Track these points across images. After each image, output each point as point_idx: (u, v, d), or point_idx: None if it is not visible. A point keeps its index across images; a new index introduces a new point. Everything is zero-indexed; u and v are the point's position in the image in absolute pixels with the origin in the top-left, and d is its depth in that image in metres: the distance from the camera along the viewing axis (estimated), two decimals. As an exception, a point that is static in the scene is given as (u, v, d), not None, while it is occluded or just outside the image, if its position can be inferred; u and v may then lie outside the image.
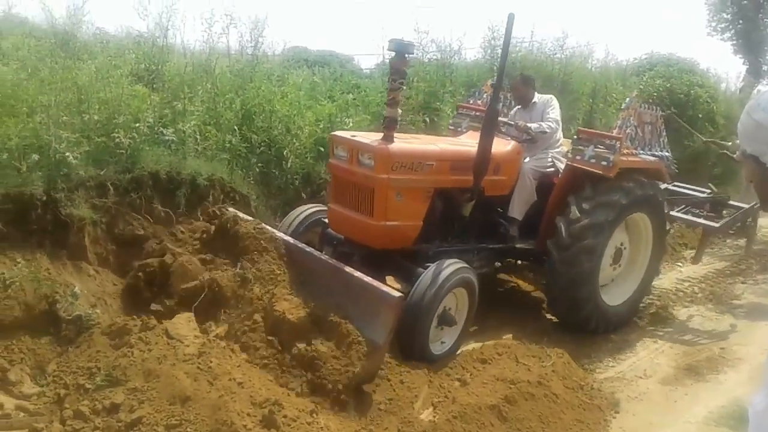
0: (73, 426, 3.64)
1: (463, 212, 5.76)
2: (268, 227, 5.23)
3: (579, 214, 5.81)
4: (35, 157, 4.96)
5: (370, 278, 4.61)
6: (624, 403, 5.05)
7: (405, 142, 5.36)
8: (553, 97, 6.57)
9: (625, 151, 6.01)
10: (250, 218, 5.34)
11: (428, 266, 4.99)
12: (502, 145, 5.93)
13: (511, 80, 7.09)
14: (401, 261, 5.31)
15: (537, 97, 6.58)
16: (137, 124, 5.87)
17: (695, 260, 8.23)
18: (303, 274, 4.94)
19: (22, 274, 4.59)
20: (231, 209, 5.66)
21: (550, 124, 6.22)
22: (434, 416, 4.34)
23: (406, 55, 4.93)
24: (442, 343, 5.15)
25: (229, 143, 6.77)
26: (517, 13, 5.07)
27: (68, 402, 3.86)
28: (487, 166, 5.43)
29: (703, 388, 5.51)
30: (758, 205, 8.11)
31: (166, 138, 6.16)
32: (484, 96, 7.23)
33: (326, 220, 5.74)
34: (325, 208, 5.79)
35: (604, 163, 5.85)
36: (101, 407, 3.72)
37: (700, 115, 13.40)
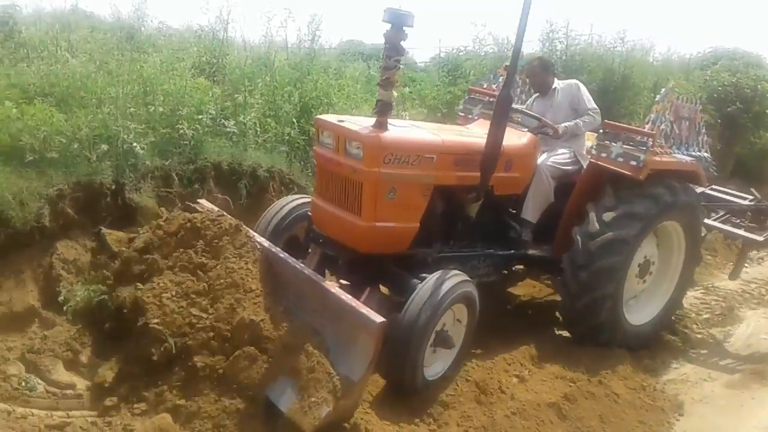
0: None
1: (469, 213, 5.08)
2: (244, 227, 4.42)
3: (599, 227, 5.06)
4: (104, 147, 5.13)
5: (349, 296, 3.89)
6: (688, 405, 4.91)
7: (401, 131, 4.58)
8: (578, 82, 5.82)
9: (658, 150, 5.26)
10: (226, 215, 4.56)
11: (424, 277, 4.32)
12: (515, 137, 5.17)
13: (528, 65, 6.12)
14: (394, 268, 4.62)
15: (557, 83, 5.80)
16: (200, 116, 6.00)
17: (733, 276, 7.15)
18: (279, 284, 4.23)
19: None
20: (205, 203, 4.99)
21: (589, 119, 5.51)
22: (492, 412, 4.30)
23: (404, 28, 4.13)
24: (435, 366, 4.45)
25: (287, 135, 6.86)
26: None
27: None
28: (496, 162, 4.75)
29: (770, 392, 5.33)
30: None
31: (228, 130, 6.27)
32: (500, 79, 6.34)
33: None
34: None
35: (634, 163, 5.08)
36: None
37: (767, 111, 12.95)
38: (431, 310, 4.12)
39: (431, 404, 4.24)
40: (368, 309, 3.74)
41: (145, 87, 5.97)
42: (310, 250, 4.94)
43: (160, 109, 5.84)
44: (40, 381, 3.92)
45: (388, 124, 4.37)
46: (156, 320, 3.80)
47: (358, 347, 3.73)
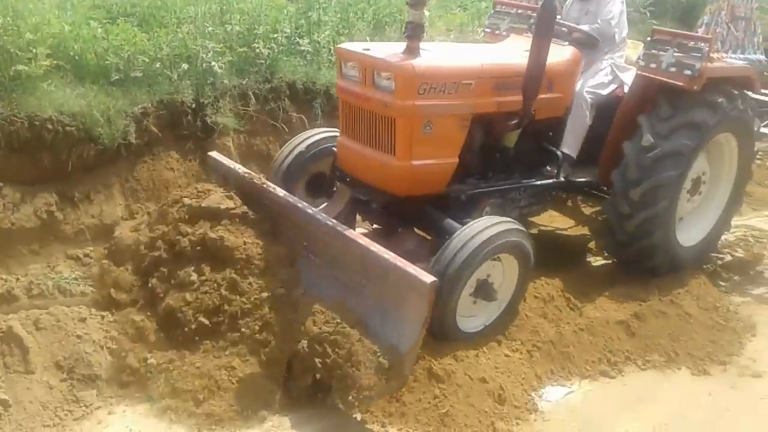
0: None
1: (508, 143, 4.65)
2: (260, 180, 4.30)
3: (653, 140, 4.66)
4: (184, 66, 5.28)
5: (393, 254, 3.52)
6: (762, 326, 4.83)
7: (434, 56, 4.12)
8: None
9: (714, 55, 4.78)
10: (237, 168, 4.45)
11: (465, 219, 4.05)
12: (556, 53, 4.57)
13: None
14: (430, 210, 4.28)
15: None
16: (275, 35, 6.05)
17: None
18: (305, 240, 3.96)
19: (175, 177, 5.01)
20: (218, 156, 4.70)
21: (599, 26, 5.04)
22: (560, 328, 4.38)
23: None
24: (476, 319, 4.13)
25: (361, 53, 6.83)
26: None
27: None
28: (540, 83, 4.27)
29: None
30: None
31: (302, 48, 6.30)
32: None
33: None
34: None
35: (688, 72, 4.58)
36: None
37: None
38: (467, 257, 3.76)
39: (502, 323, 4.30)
40: (416, 268, 3.43)
41: (222, 6, 6.04)
42: (335, 190, 4.74)
43: (237, 28, 5.93)
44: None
45: (419, 50, 3.97)
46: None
47: (406, 310, 3.44)
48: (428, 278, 3.35)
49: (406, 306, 3.44)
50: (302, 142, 4.84)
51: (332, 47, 6.61)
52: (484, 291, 4.02)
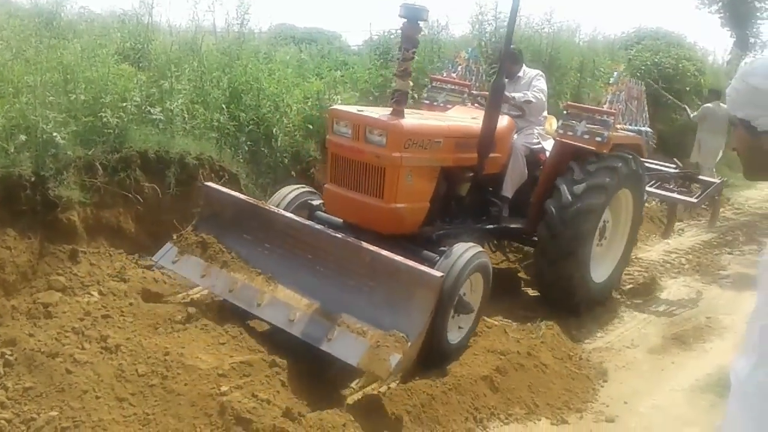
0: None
1: (461, 192, 5.59)
2: (262, 203, 5.04)
3: (570, 199, 5.64)
4: (22, 137, 4.93)
5: (400, 257, 4.25)
6: (612, 372, 5.14)
7: (416, 118, 5.13)
8: (540, 71, 6.49)
9: (617, 126, 5.84)
10: (236, 194, 5.17)
11: (442, 250, 4.73)
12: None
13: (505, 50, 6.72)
14: (409, 245, 4.93)
15: (523, 71, 6.43)
16: (124, 104, 5.83)
17: (665, 235, 8.54)
18: (313, 254, 4.60)
19: (13, 256, 4.61)
20: (212, 185, 5.33)
21: (535, 93, 6.14)
22: (432, 389, 4.38)
23: (419, 22, 4.62)
24: (458, 329, 4.83)
25: (217, 122, 6.74)
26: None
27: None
28: (492, 143, 5.31)
29: (689, 356, 5.61)
30: (726, 180, 8.84)
31: (154, 117, 6.11)
32: (459, 68, 7.13)
33: (313, 203, 5.42)
34: (311, 190, 5.62)
35: (599, 139, 5.75)
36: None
37: (688, 89, 13.48)
38: (454, 279, 4.46)
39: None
40: (424, 266, 4.19)
41: (66, 75, 5.75)
42: None
43: (82, 97, 5.64)
44: None
45: (404, 113, 4.80)
46: None
47: (415, 302, 4.07)
48: (437, 273, 4.12)
49: (415, 299, 4.08)
50: (283, 198, 5.40)
51: (186, 115, 6.49)
52: (463, 306, 4.67)
